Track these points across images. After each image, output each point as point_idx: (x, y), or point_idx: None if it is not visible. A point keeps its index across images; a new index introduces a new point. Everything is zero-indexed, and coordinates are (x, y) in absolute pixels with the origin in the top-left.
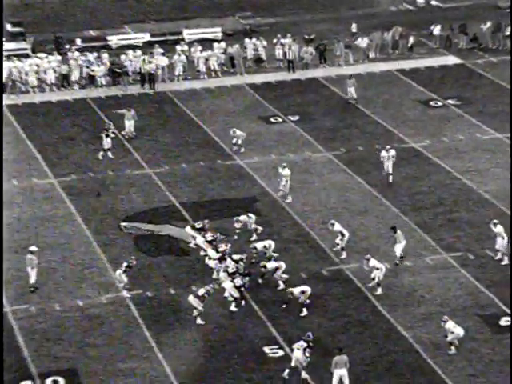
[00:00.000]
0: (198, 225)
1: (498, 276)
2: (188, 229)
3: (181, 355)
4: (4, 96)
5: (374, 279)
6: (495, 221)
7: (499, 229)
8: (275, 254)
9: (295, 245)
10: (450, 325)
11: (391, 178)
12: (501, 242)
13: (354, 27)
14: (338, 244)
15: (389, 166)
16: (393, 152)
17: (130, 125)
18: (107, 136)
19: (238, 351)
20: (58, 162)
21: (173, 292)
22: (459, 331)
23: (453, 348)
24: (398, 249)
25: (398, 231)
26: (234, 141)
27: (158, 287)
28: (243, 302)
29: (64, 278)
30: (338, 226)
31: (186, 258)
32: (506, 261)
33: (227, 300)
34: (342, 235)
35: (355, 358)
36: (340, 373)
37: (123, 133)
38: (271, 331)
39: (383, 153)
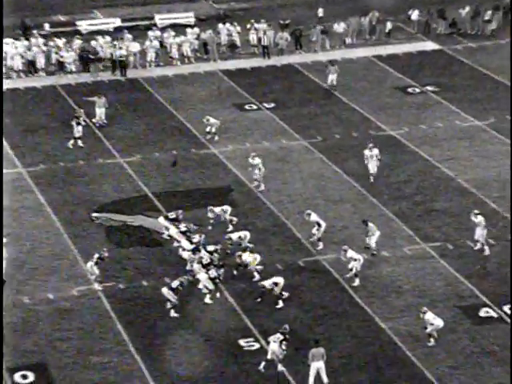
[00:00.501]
0: (172, 215)
1: (478, 266)
2: (161, 219)
3: (154, 349)
4: None
5: (351, 270)
6: (476, 211)
7: (480, 219)
8: (250, 245)
9: (271, 235)
10: (430, 316)
11: (372, 178)
12: (480, 232)
13: (320, 12)
14: (314, 234)
15: (374, 166)
16: (376, 151)
17: (100, 112)
18: (78, 124)
19: (213, 344)
20: (27, 151)
21: (146, 284)
22: (439, 322)
23: (432, 340)
24: (373, 240)
25: (370, 224)
26: (208, 129)
27: (130, 279)
28: (218, 294)
29: (34, 270)
30: (314, 217)
31: (158, 249)
32: (487, 251)
33: (201, 292)
34: (319, 225)
35: (332, 350)
36: (317, 365)
37: (94, 120)
38: (246, 323)
39: (366, 152)
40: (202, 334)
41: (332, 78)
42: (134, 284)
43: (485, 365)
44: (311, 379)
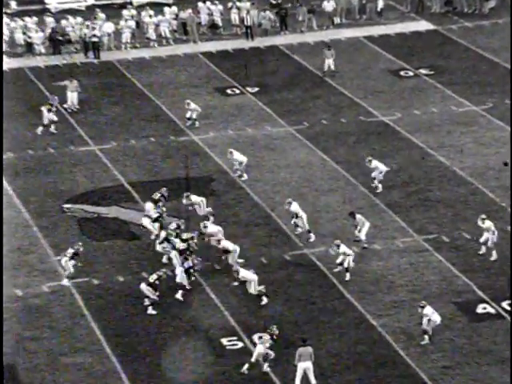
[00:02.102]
0: (156, 195)
1: (475, 260)
2: (149, 204)
3: (131, 348)
4: None
5: (340, 265)
6: (483, 216)
7: (488, 224)
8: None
9: (255, 227)
10: (428, 311)
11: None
12: (488, 236)
13: None
14: (297, 226)
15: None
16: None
17: (72, 97)
18: (49, 110)
19: (194, 343)
20: None
21: (122, 279)
22: (436, 318)
23: (426, 337)
24: (363, 233)
25: (358, 216)
26: (188, 115)
27: (105, 274)
28: (187, 287)
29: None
30: (295, 206)
31: (135, 242)
32: (494, 256)
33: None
34: (297, 217)
35: (321, 349)
36: (304, 366)
37: (65, 106)
38: (229, 321)
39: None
40: (183, 333)
41: (328, 62)
42: (109, 279)
43: (482, 365)
44: (297, 380)
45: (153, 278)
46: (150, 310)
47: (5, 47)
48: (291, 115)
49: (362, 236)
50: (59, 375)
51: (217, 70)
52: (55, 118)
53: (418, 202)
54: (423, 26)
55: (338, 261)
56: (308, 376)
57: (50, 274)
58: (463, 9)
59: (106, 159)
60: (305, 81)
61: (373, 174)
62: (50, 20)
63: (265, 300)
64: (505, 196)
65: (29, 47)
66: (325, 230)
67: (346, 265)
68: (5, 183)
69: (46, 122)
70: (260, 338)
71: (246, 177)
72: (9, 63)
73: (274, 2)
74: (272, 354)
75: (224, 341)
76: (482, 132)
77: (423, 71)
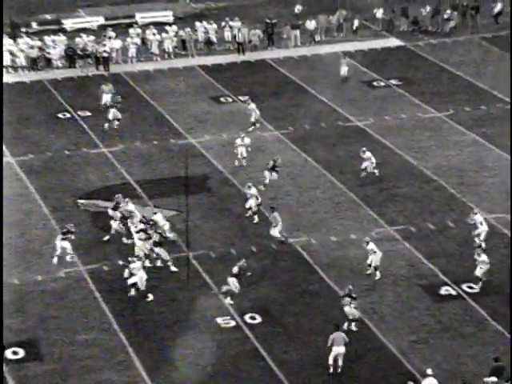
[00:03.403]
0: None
1: (439, 248)
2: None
3: (136, 325)
4: None
5: (369, 266)
6: (475, 210)
7: (478, 217)
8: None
9: (246, 220)
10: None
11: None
12: (482, 228)
13: (296, 9)
14: (250, 208)
15: (368, 164)
16: (368, 154)
17: (107, 98)
18: (113, 106)
19: (192, 322)
20: (16, 141)
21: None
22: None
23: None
24: (276, 231)
25: (275, 213)
26: (252, 118)
27: (113, 261)
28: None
29: (23, 253)
30: (253, 190)
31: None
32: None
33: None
34: (257, 199)
35: (304, 326)
36: (338, 349)
37: (102, 103)
38: (223, 303)
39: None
40: (182, 313)
41: (344, 69)
42: (117, 266)
43: (444, 339)
44: (330, 360)
45: (235, 269)
46: (229, 300)
47: (24, 63)
48: (278, 121)
49: (276, 234)
50: (75, 350)
51: (212, 80)
52: (119, 116)
53: (389, 197)
54: (393, 42)
55: (368, 261)
56: (338, 360)
57: (65, 261)
58: (428, 28)
59: (115, 160)
60: (290, 91)
61: (364, 165)
62: (62, 38)
63: (150, 297)
64: (465, 192)
65: (48, 62)
66: (307, 221)
67: (373, 264)
68: (26, 181)
69: (110, 117)
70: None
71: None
72: (30, 76)
73: (268, 22)
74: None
75: (219, 320)
76: (444, 136)
77: (393, 82)
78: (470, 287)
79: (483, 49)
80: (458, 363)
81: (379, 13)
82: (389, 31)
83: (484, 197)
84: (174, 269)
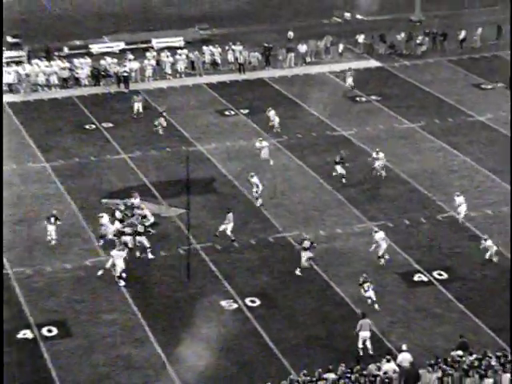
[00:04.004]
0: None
1: (413, 241)
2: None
3: (151, 307)
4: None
5: (381, 257)
6: (457, 192)
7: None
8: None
9: (246, 216)
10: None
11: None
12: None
13: (290, 34)
14: (256, 192)
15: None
16: (381, 155)
17: (138, 106)
18: (161, 116)
19: (199, 305)
20: (49, 149)
21: (145, 256)
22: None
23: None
24: (229, 229)
25: (229, 214)
26: (272, 123)
27: (131, 252)
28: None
29: (55, 245)
30: (255, 179)
31: (155, 228)
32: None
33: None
34: (257, 187)
35: (296, 308)
36: (364, 335)
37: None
38: (227, 287)
39: (374, 154)
40: (191, 297)
41: (349, 80)
42: (133, 255)
43: (418, 319)
44: (359, 345)
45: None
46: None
47: (57, 82)
48: (273, 131)
49: (228, 232)
50: (99, 328)
51: (217, 96)
52: (164, 124)
53: (370, 197)
54: (373, 63)
55: (381, 253)
56: (366, 343)
57: (91, 252)
58: (402, 51)
59: (133, 164)
60: (284, 105)
61: (376, 163)
62: (88, 61)
63: (121, 282)
64: (435, 192)
65: (76, 81)
66: (299, 218)
67: (494, 259)
68: (58, 183)
69: (164, 124)
70: None
71: (260, 201)
72: (61, 93)
73: (265, 46)
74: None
75: (223, 303)
76: (417, 143)
77: (373, 97)
78: (440, 274)
79: (450, 69)
80: (430, 340)
81: (361, 38)
82: (369, 54)
83: (453, 196)
84: (151, 256)
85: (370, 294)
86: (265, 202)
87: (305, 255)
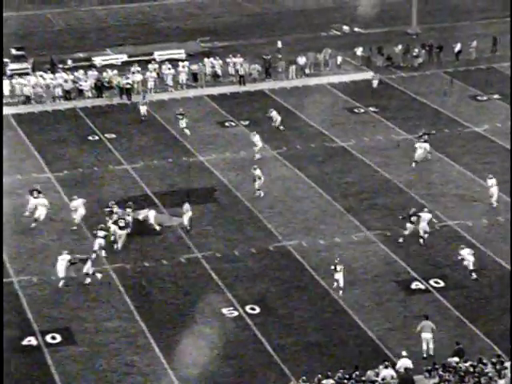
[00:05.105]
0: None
1: (410, 249)
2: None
3: (154, 315)
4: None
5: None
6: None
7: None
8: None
9: (247, 226)
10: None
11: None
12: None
13: (279, 44)
14: (258, 184)
15: (419, 154)
16: (426, 145)
17: (144, 109)
18: (182, 118)
19: (201, 312)
20: (53, 159)
21: (147, 265)
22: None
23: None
24: (186, 219)
25: (186, 204)
26: (273, 123)
27: (134, 261)
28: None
29: (59, 253)
30: (258, 172)
31: (157, 237)
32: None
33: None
34: (259, 178)
35: (296, 316)
36: (426, 336)
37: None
38: (228, 296)
39: (417, 144)
40: (193, 304)
41: (375, 82)
42: (137, 264)
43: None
44: (424, 347)
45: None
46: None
47: (61, 93)
48: (273, 141)
49: (185, 221)
50: (102, 335)
51: (218, 108)
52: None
53: (368, 207)
54: (371, 75)
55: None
56: (429, 344)
57: (94, 261)
58: (400, 63)
59: (136, 175)
60: (284, 116)
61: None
62: (95, 73)
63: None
64: (432, 201)
65: (80, 92)
66: (299, 227)
67: (470, 266)
68: (62, 193)
69: (183, 125)
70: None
71: (262, 194)
72: (65, 105)
73: (265, 58)
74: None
75: (224, 310)
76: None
77: (371, 109)
78: (437, 282)
79: (446, 81)
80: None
81: (359, 51)
82: (367, 66)
83: (449, 206)
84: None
85: (339, 276)
86: (264, 212)
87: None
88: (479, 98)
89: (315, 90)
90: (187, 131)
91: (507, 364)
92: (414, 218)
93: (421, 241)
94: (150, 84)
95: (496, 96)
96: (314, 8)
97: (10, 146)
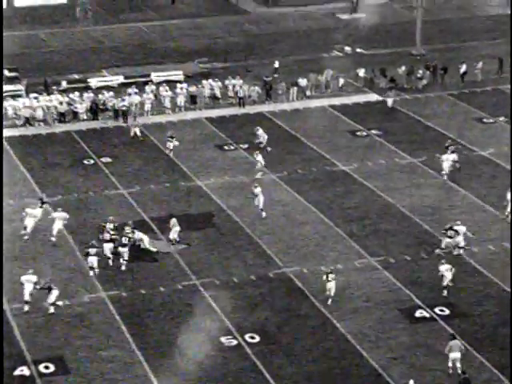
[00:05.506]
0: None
1: (414, 276)
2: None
3: (151, 344)
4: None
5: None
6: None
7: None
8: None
9: (246, 251)
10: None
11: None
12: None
13: (276, 64)
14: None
15: (447, 167)
16: (453, 156)
17: (135, 130)
18: (171, 140)
19: (199, 341)
20: (48, 184)
21: (143, 292)
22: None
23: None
24: (175, 234)
25: (173, 219)
26: (259, 139)
27: (131, 288)
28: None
29: (52, 280)
30: (258, 189)
31: (154, 264)
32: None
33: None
34: (256, 196)
35: (297, 345)
36: (454, 356)
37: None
38: (227, 324)
39: (444, 156)
40: (190, 332)
41: (390, 101)
42: (133, 292)
43: (420, 356)
44: (450, 364)
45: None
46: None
47: (55, 116)
48: (273, 165)
49: (174, 236)
50: (97, 365)
51: (216, 131)
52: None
53: (371, 232)
54: (373, 97)
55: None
56: (455, 364)
57: (89, 288)
58: (403, 85)
59: (132, 200)
60: (284, 139)
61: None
62: (90, 95)
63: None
64: (436, 227)
65: (74, 115)
66: (298, 253)
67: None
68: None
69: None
70: None
71: (264, 215)
72: (59, 128)
73: (265, 80)
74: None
75: (223, 339)
76: (418, 178)
77: (374, 132)
78: (442, 310)
79: (451, 103)
80: (431, 376)
81: (361, 72)
82: (370, 88)
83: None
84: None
85: (331, 285)
86: (264, 238)
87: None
88: (485, 120)
89: (316, 112)
90: (171, 154)
91: None
92: (451, 233)
93: (460, 251)
94: (147, 106)
95: (502, 118)
96: (315, 28)
97: (4, 170)
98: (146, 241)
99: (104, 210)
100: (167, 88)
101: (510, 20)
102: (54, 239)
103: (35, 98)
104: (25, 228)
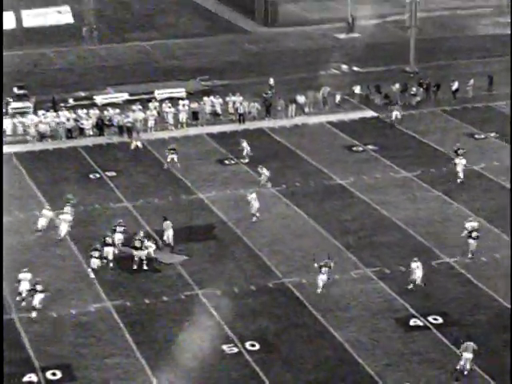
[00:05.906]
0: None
1: (408, 286)
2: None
3: (155, 352)
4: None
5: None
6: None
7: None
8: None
9: (246, 263)
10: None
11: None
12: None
13: (271, 81)
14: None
15: (461, 170)
16: (464, 161)
17: (139, 143)
18: (172, 153)
19: (201, 350)
20: (55, 197)
21: (147, 302)
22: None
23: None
24: (170, 236)
25: (167, 221)
26: (245, 152)
27: (135, 298)
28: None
29: (59, 291)
30: (253, 195)
31: (157, 274)
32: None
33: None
34: (249, 203)
35: (295, 353)
36: (467, 356)
37: (139, 146)
38: (228, 333)
39: (456, 160)
40: (193, 341)
41: (395, 114)
42: (137, 302)
43: (414, 363)
44: (461, 364)
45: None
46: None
47: (61, 132)
48: (273, 179)
49: (169, 239)
50: (102, 372)
51: (217, 146)
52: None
53: (367, 244)
54: (369, 113)
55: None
56: (466, 364)
57: (94, 298)
58: (397, 102)
59: (136, 213)
60: (283, 154)
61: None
62: (96, 111)
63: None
64: (430, 239)
65: (81, 131)
66: (298, 264)
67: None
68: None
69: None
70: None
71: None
72: (66, 143)
73: (265, 96)
74: None
75: (224, 347)
76: (412, 192)
77: (370, 147)
78: (435, 319)
79: (444, 119)
80: (425, 383)
81: (357, 89)
82: (365, 104)
83: (447, 243)
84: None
85: (323, 277)
86: (264, 249)
87: None
88: (476, 136)
89: (314, 128)
90: (169, 166)
91: None
92: (474, 234)
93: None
94: (151, 123)
95: (493, 134)
96: (314, 47)
97: (12, 184)
98: (152, 251)
99: (109, 222)
100: (170, 105)
101: (511, 34)
102: (60, 238)
103: (43, 114)
104: (58, 234)
